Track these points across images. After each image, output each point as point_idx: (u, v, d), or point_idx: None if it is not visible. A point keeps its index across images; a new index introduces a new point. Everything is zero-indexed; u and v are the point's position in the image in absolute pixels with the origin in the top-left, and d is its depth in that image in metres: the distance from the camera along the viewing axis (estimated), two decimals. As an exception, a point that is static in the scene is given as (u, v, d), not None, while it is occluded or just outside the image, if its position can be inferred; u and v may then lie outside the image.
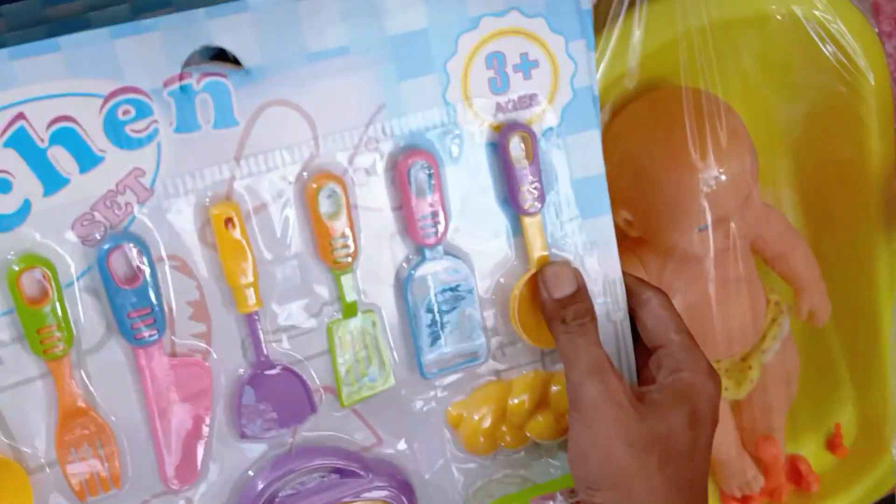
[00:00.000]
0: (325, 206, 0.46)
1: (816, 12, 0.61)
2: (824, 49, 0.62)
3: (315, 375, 0.49)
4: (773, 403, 0.69)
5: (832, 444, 0.74)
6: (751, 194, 0.62)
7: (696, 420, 0.48)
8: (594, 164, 0.51)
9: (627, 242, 0.63)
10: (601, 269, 0.52)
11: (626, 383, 0.48)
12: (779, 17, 0.61)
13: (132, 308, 0.44)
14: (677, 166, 0.60)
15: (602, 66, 0.58)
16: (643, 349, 0.52)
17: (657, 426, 0.47)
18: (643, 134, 0.61)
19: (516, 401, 0.52)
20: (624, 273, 0.52)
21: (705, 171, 0.59)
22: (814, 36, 0.61)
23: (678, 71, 0.59)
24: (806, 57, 0.63)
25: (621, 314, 0.53)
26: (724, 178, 0.60)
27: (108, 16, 0.46)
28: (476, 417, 0.52)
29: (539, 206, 0.50)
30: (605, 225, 0.52)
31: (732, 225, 0.61)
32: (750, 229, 0.64)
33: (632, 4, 0.57)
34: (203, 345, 0.46)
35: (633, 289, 0.52)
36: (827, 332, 0.72)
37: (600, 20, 0.58)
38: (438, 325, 0.50)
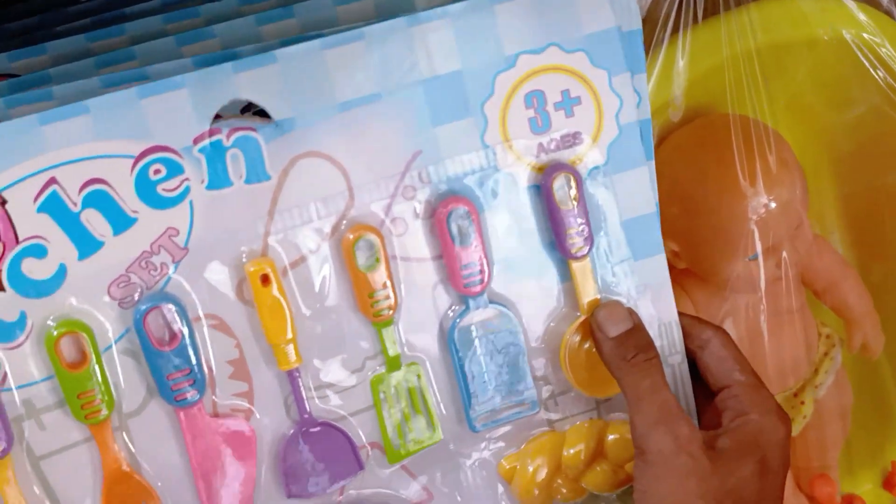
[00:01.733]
0: (362, 258, 0.45)
1: (866, 35, 0.59)
2: (874, 73, 0.59)
3: (361, 432, 0.48)
4: (827, 440, 0.66)
5: (889, 482, 0.70)
6: (802, 223, 0.60)
7: (766, 468, 0.45)
8: (645, 202, 0.49)
9: (674, 274, 0.61)
10: (655, 312, 0.50)
11: (696, 430, 0.45)
12: (826, 38, 0.59)
13: (172, 369, 0.43)
14: (726, 194, 0.58)
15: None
16: (702, 393, 0.50)
17: (728, 478, 0.44)
18: (690, 162, 0.59)
19: (572, 451, 0.50)
20: (679, 313, 0.50)
21: (755, 199, 0.58)
22: (863, 60, 0.59)
23: (724, 97, 0.57)
24: (855, 81, 0.61)
25: (678, 357, 0.50)
26: (773, 205, 0.58)
27: (152, 49, 0.46)
28: (530, 470, 0.50)
29: (587, 249, 0.48)
30: (658, 266, 0.49)
31: (784, 254, 0.59)
32: (801, 259, 0.62)
33: (675, 30, 0.56)
34: (245, 404, 0.45)
35: (691, 329, 0.50)
36: (881, 365, 0.69)
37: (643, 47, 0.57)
38: (486, 376, 0.48)
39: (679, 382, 0.50)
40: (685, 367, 0.50)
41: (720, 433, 0.46)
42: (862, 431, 0.69)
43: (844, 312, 0.67)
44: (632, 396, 0.46)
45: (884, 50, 0.59)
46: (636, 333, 0.47)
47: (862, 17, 0.59)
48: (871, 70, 0.59)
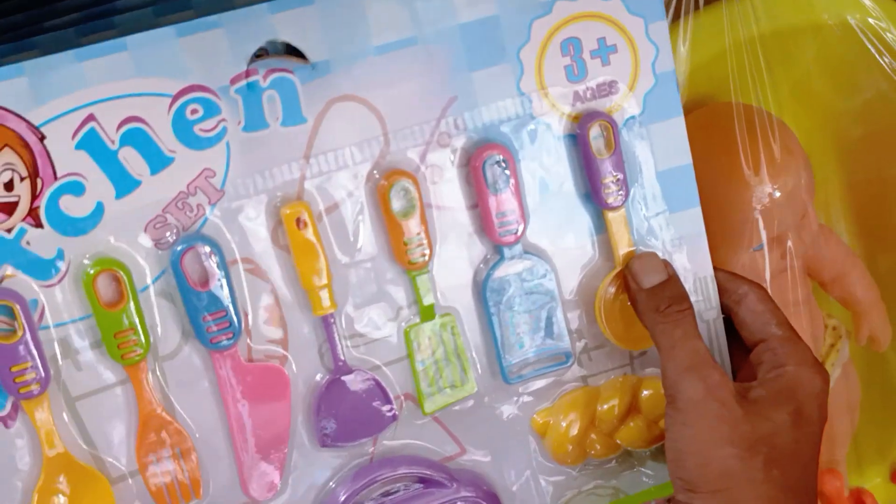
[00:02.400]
0: (397, 204, 0.45)
1: (871, 20, 0.58)
2: (880, 59, 0.58)
3: (395, 382, 0.47)
4: (835, 434, 0.64)
5: (898, 475, 0.69)
6: (807, 212, 0.59)
7: (801, 418, 0.44)
8: (680, 153, 0.48)
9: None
10: (691, 266, 0.49)
11: (728, 379, 0.44)
12: (831, 24, 0.58)
13: (207, 311, 0.43)
14: (730, 183, 0.56)
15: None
16: (739, 349, 0.49)
17: (761, 425, 0.44)
18: (693, 151, 0.58)
19: (605, 406, 0.50)
20: (715, 268, 0.49)
21: (759, 188, 0.56)
22: (868, 45, 0.58)
23: (727, 85, 0.56)
24: (861, 67, 0.59)
25: (714, 313, 0.50)
26: (778, 194, 0.57)
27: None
28: (563, 425, 0.49)
29: (623, 199, 0.47)
30: (693, 219, 0.49)
31: (789, 244, 0.58)
32: (806, 249, 0.60)
33: (676, 17, 0.55)
34: (280, 350, 0.45)
35: (726, 284, 0.49)
36: (888, 357, 0.67)
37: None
38: (520, 327, 0.48)
39: (714, 338, 0.50)
40: (720, 322, 0.50)
41: (755, 385, 0.46)
42: (870, 426, 0.68)
43: (851, 303, 0.65)
44: (663, 345, 0.45)
45: (889, 35, 0.58)
46: (670, 284, 0.47)
47: (867, 1, 0.58)
48: (877, 56, 0.58)
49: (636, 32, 0.46)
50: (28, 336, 0.40)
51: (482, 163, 0.45)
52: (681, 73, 0.56)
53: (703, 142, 0.57)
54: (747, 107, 0.57)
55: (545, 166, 0.47)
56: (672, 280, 0.47)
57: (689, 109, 0.59)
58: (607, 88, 0.47)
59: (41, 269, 0.41)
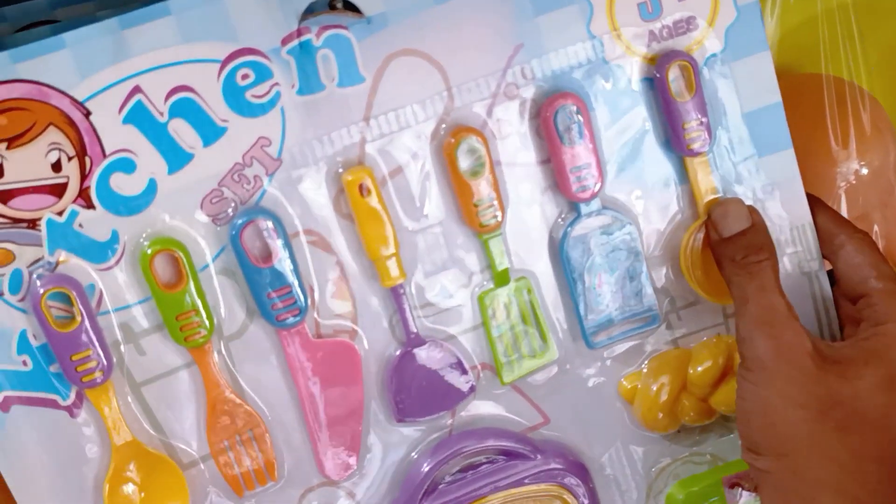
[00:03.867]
0: (465, 163, 0.42)
1: None
2: None
3: (470, 351, 0.45)
4: None
5: None
6: (893, 191, 0.56)
7: (892, 382, 0.41)
8: (768, 91, 0.44)
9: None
10: (786, 214, 0.45)
11: (805, 337, 0.41)
12: None
13: (271, 288, 0.41)
14: (815, 157, 0.54)
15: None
16: (846, 303, 0.45)
17: (841, 388, 0.40)
18: None
19: (699, 369, 0.46)
20: (816, 211, 0.45)
21: (845, 164, 0.54)
22: None
23: (816, 54, 0.54)
24: None
25: (816, 264, 0.46)
26: (865, 171, 0.54)
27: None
28: (653, 389, 0.46)
29: (706, 144, 0.44)
30: (786, 162, 0.45)
31: (875, 226, 0.55)
32: (891, 230, 0.57)
33: None
34: (349, 324, 0.43)
35: (825, 233, 0.45)
36: None
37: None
38: (602, 287, 0.45)
39: (817, 291, 0.46)
40: (824, 275, 0.46)
41: (844, 344, 0.42)
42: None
43: None
44: (737, 298, 0.42)
45: None
46: (751, 233, 0.43)
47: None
48: None
49: (715, -39, 0.43)
50: (87, 323, 0.39)
51: (553, 113, 0.42)
52: (769, 39, 0.54)
53: (788, 113, 0.54)
54: (838, 79, 0.55)
55: (621, 114, 0.44)
56: (754, 228, 0.43)
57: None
58: (685, 25, 0.43)
59: (96, 252, 0.39)
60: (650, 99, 0.44)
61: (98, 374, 0.39)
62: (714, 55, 0.44)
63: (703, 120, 0.43)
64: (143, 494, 0.41)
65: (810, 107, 0.55)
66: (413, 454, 0.45)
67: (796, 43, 0.55)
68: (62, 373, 0.39)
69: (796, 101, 0.54)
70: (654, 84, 0.43)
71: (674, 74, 0.43)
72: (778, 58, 0.54)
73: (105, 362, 0.39)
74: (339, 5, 0.39)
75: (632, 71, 0.43)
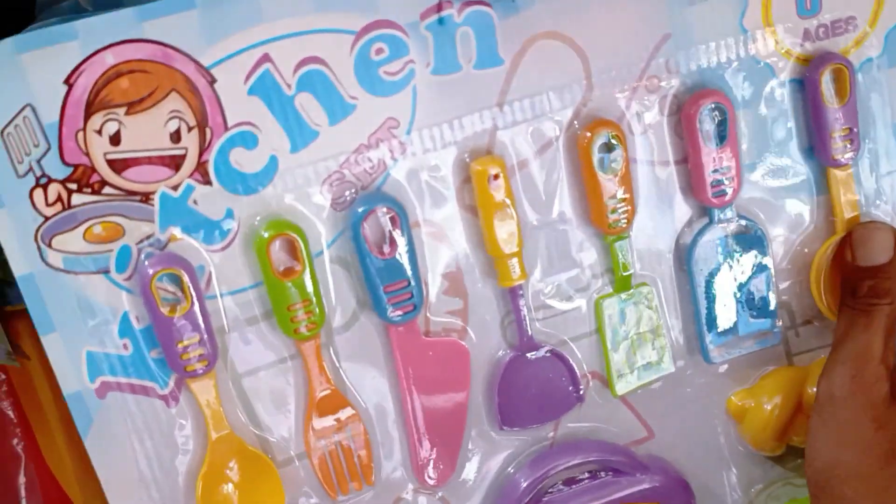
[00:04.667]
0: (600, 159, 0.39)
1: None
2: None
3: (581, 359, 0.42)
4: None
5: None
6: None
7: None
8: (921, 101, 0.41)
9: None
10: (927, 236, 0.42)
11: (885, 382, 0.39)
12: None
13: (389, 281, 0.38)
14: None
15: None
16: None
17: None
18: None
19: (815, 390, 0.44)
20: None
21: None
22: None
23: None
24: None
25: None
26: None
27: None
28: (767, 408, 0.44)
29: (853, 155, 0.41)
30: (933, 179, 0.42)
31: None
32: None
33: None
34: (459, 323, 0.40)
35: None
36: None
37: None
38: (728, 299, 0.42)
39: None
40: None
41: None
42: None
43: None
44: (838, 331, 0.40)
45: None
46: (885, 270, 0.40)
47: None
48: None
49: (883, -42, 0.39)
50: (197, 307, 0.36)
51: (698, 112, 0.39)
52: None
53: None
54: None
55: (764, 115, 0.41)
56: (891, 265, 0.40)
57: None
58: (843, 25, 0.40)
59: (209, 231, 0.36)
60: (797, 101, 0.41)
61: (201, 365, 0.36)
62: (870, 59, 0.41)
63: (854, 129, 0.40)
64: (237, 493, 0.38)
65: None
66: (510, 469, 0.43)
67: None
68: (163, 359, 0.36)
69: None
70: (804, 86, 0.40)
71: (826, 78, 0.40)
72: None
73: (210, 351, 0.36)
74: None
75: (781, 70, 0.40)
